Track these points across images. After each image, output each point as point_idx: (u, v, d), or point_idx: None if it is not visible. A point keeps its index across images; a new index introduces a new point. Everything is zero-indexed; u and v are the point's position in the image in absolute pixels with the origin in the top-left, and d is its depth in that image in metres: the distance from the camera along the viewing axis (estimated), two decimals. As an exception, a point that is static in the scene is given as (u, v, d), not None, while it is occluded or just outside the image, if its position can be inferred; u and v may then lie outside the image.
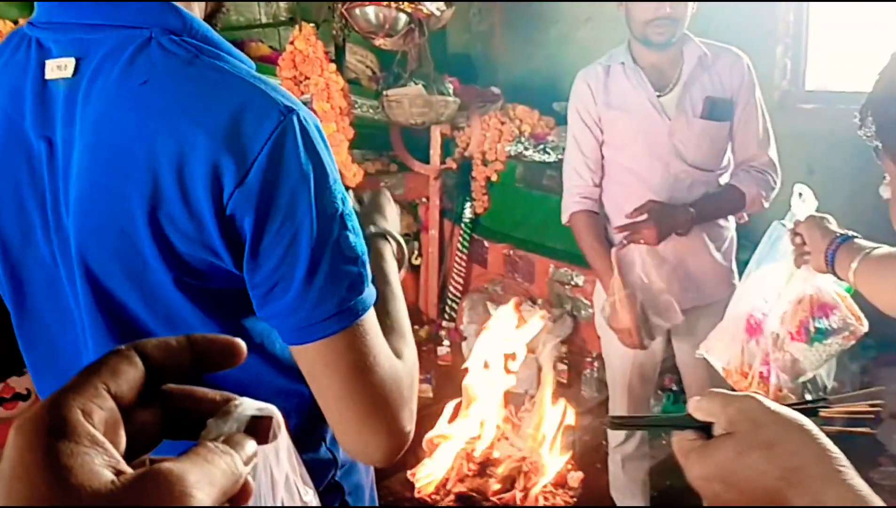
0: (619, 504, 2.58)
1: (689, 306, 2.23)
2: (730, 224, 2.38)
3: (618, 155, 2.29)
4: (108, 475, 0.34)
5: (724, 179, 2.32)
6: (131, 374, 0.39)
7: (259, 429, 0.41)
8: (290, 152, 0.80)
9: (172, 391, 0.42)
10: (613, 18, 4.06)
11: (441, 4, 3.45)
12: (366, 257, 0.88)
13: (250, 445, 0.39)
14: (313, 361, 0.86)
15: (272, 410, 0.42)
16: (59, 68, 0.83)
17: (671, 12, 2.10)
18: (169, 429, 0.41)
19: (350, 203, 0.89)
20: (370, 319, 0.88)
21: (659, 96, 2.21)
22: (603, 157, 2.33)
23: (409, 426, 0.90)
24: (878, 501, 0.59)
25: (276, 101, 0.81)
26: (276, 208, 0.80)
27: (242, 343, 0.43)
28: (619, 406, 2.51)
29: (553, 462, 1.78)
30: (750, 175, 2.25)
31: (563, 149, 3.61)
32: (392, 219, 1.17)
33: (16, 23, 2.92)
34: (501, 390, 1.91)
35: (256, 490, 0.44)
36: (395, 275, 1.06)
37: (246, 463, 0.38)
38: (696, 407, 0.69)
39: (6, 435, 0.34)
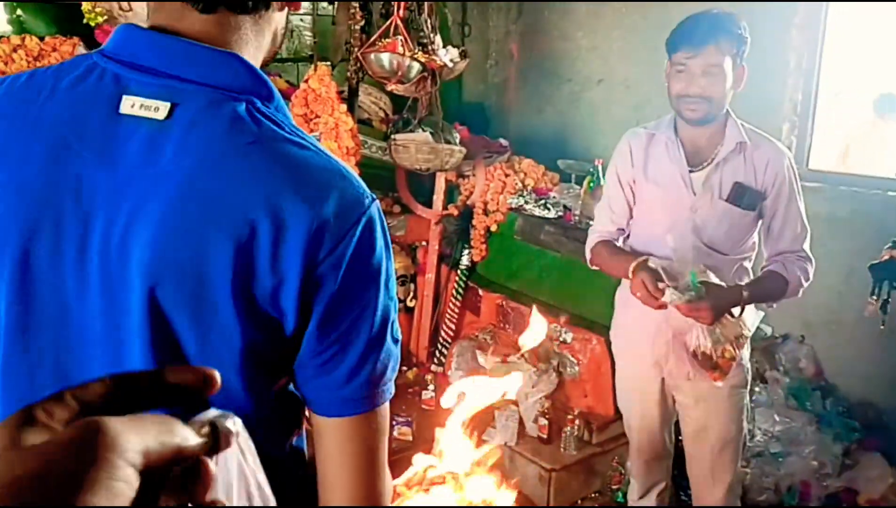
0: None
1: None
2: None
3: (642, 219, 2.38)
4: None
5: (745, 265, 2.38)
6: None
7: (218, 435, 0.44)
8: (378, 233, 0.90)
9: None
10: (624, 81, 4.16)
11: (455, 55, 3.54)
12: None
13: (193, 436, 0.43)
14: (340, 433, 0.92)
15: (233, 418, 0.45)
16: (145, 108, 0.86)
17: (702, 91, 2.14)
18: None
19: None
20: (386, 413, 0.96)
21: (691, 172, 2.26)
22: (631, 217, 2.42)
23: None
24: None
25: (363, 187, 0.91)
26: (358, 280, 0.88)
27: (217, 374, 0.46)
28: (635, 443, 2.61)
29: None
30: (791, 263, 2.29)
31: (564, 207, 3.70)
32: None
33: (42, 38, 3.02)
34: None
35: (227, 483, 0.47)
36: None
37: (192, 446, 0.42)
38: None
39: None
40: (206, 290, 0.85)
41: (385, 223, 0.92)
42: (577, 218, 3.60)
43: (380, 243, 0.90)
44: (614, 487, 3.36)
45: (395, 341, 0.94)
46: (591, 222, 3.50)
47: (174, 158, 0.85)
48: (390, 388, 0.95)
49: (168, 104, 0.86)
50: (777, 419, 3.36)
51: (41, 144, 0.88)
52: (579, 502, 3.33)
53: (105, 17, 3.00)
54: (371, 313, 0.90)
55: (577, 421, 3.30)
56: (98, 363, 0.91)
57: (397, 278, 4.00)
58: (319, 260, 0.85)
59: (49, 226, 0.88)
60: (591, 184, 3.50)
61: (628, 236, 2.46)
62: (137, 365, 0.89)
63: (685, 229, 2.25)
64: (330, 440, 0.93)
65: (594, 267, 2.51)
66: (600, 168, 3.47)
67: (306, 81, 3.33)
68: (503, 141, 4.07)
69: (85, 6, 2.98)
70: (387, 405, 0.95)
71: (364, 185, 0.91)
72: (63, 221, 0.87)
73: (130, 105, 0.86)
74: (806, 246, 2.32)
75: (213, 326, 0.87)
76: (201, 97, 0.87)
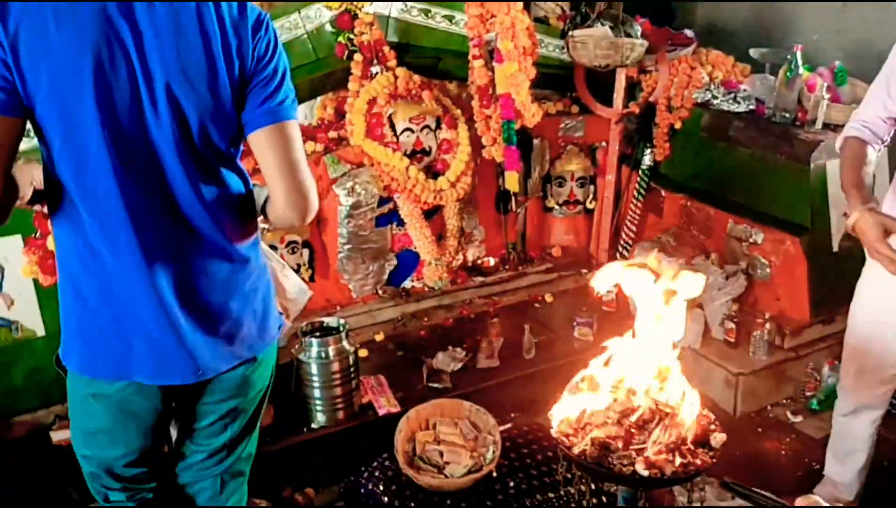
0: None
1: None
2: None
3: None
4: None
5: None
6: None
7: None
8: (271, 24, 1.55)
9: None
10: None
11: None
12: None
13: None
14: (266, 143, 1.50)
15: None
16: None
17: None
18: None
19: None
20: (298, 127, 1.55)
21: None
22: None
23: (317, 201, 1.57)
24: None
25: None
26: (272, 45, 1.52)
27: None
28: (855, 388, 2.39)
29: (691, 419, 1.76)
30: None
31: (756, 100, 3.46)
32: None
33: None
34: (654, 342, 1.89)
35: None
36: None
37: None
38: None
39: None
40: (214, 81, 1.45)
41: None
42: (770, 111, 3.35)
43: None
44: (808, 394, 3.22)
45: (292, 83, 1.57)
46: (786, 116, 3.28)
47: (160, 12, 1.40)
48: (295, 109, 1.56)
49: None
50: None
51: None
52: (769, 408, 3.22)
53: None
54: (282, 63, 1.54)
55: (767, 325, 3.16)
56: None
57: (577, 180, 3.95)
58: (257, 40, 1.49)
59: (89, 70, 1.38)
60: (789, 73, 3.22)
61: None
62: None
63: None
64: (263, 147, 1.50)
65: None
66: (798, 55, 3.19)
67: (481, -20, 3.27)
68: (688, 32, 3.82)
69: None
70: (295, 121, 1.54)
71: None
72: (106, 63, 1.39)
73: None
74: None
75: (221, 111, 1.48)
76: None
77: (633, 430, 1.80)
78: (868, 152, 2.04)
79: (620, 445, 1.77)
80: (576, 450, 1.79)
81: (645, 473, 1.71)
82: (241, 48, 1.46)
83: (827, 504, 2.14)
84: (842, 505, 2.52)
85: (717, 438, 1.81)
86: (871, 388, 2.36)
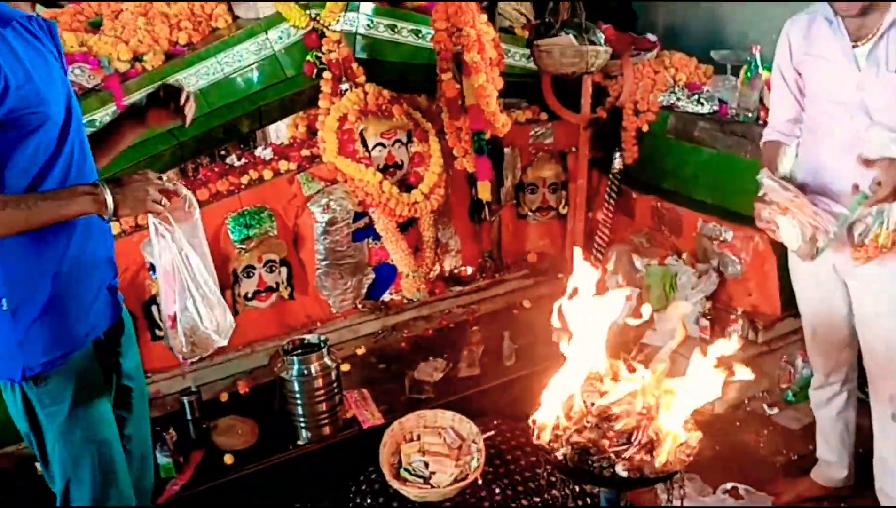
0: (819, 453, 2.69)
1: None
2: None
3: (810, 104, 2.27)
4: None
5: None
6: None
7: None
8: None
9: None
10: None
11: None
12: None
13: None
14: None
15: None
16: None
17: None
18: None
19: None
20: None
21: (854, 48, 2.11)
22: (802, 109, 2.32)
23: None
24: None
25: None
26: None
27: None
28: (812, 354, 2.59)
29: (676, 427, 1.81)
30: None
31: (719, 101, 3.53)
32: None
33: None
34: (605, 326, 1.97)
35: None
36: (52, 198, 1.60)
37: None
38: None
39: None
40: None
41: None
42: (733, 111, 3.43)
43: None
44: (783, 386, 3.29)
45: None
46: (748, 115, 3.35)
47: None
48: None
49: None
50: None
51: None
52: (746, 401, 3.29)
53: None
54: None
55: (740, 321, 3.23)
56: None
57: (549, 186, 4.00)
58: None
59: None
60: (749, 73, 3.30)
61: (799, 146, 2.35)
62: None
63: (853, 108, 2.10)
64: None
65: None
66: (758, 55, 3.27)
67: (445, -6, 3.32)
68: (651, 36, 3.89)
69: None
70: None
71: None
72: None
73: None
74: None
75: None
76: None
77: (611, 432, 1.85)
78: (781, 151, 2.30)
79: (601, 448, 1.81)
80: (558, 455, 1.84)
81: (624, 474, 1.76)
82: None
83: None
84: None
85: (694, 436, 1.86)
86: (829, 353, 2.51)
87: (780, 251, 3.20)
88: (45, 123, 1.60)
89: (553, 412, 1.90)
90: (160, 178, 1.69)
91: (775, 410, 3.21)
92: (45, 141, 1.62)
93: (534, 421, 1.93)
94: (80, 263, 1.73)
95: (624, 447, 1.81)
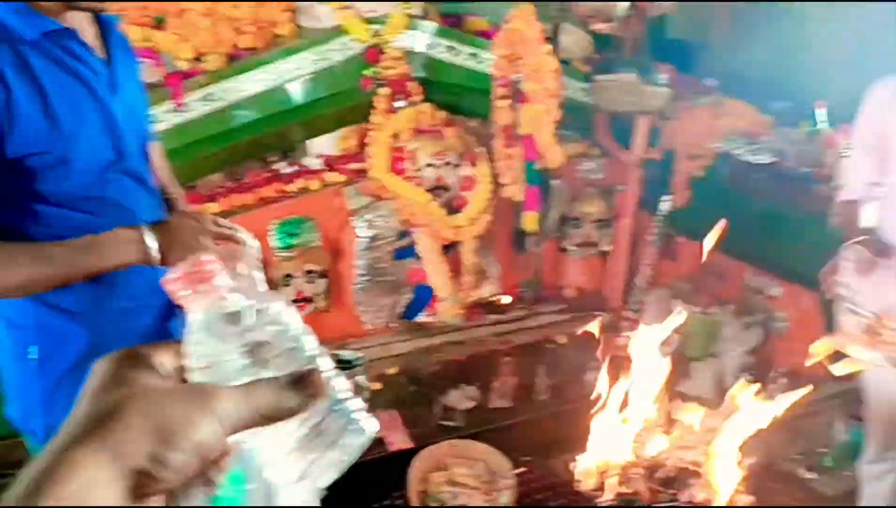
0: None
1: None
2: None
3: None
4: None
5: None
6: None
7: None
8: None
9: None
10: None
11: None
12: None
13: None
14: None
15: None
16: None
17: None
18: None
19: None
20: None
21: None
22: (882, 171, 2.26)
23: None
24: None
25: None
26: None
27: None
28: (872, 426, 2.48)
29: (725, 480, 1.75)
30: None
31: (778, 152, 3.46)
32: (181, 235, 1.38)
33: None
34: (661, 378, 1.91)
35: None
36: (90, 245, 1.33)
37: None
38: None
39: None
40: None
41: None
42: (791, 165, 3.37)
43: None
44: (821, 450, 3.19)
45: None
46: (807, 170, 3.29)
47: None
48: None
49: None
50: None
51: None
52: (781, 462, 3.19)
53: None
54: None
55: (781, 380, 3.15)
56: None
57: (594, 222, 3.95)
58: None
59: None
60: (810, 129, 3.25)
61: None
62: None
63: None
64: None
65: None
66: (821, 111, 3.21)
67: (509, 22, 3.30)
68: (710, 81, 3.85)
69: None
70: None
71: None
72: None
73: None
74: None
75: None
76: None
77: (658, 487, 1.79)
78: (863, 208, 2.27)
79: (646, 500, 1.76)
80: (600, 502, 1.78)
81: (669, 531, 1.70)
82: None
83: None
84: None
85: (744, 500, 1.79)
86: (888, 429, 2.41)
87: (829, 312, 3.13)
88: (65, 165, 1.39)
89: (599, 457, 1.84)
90: (216, 222, 1.43)
91: (813, 474, 3.12)
92: (68, 185, 1.40)
93: (574, 465, 1.88)
94: (122, 306, 1.52)
95: (669, 503, 1.75)
